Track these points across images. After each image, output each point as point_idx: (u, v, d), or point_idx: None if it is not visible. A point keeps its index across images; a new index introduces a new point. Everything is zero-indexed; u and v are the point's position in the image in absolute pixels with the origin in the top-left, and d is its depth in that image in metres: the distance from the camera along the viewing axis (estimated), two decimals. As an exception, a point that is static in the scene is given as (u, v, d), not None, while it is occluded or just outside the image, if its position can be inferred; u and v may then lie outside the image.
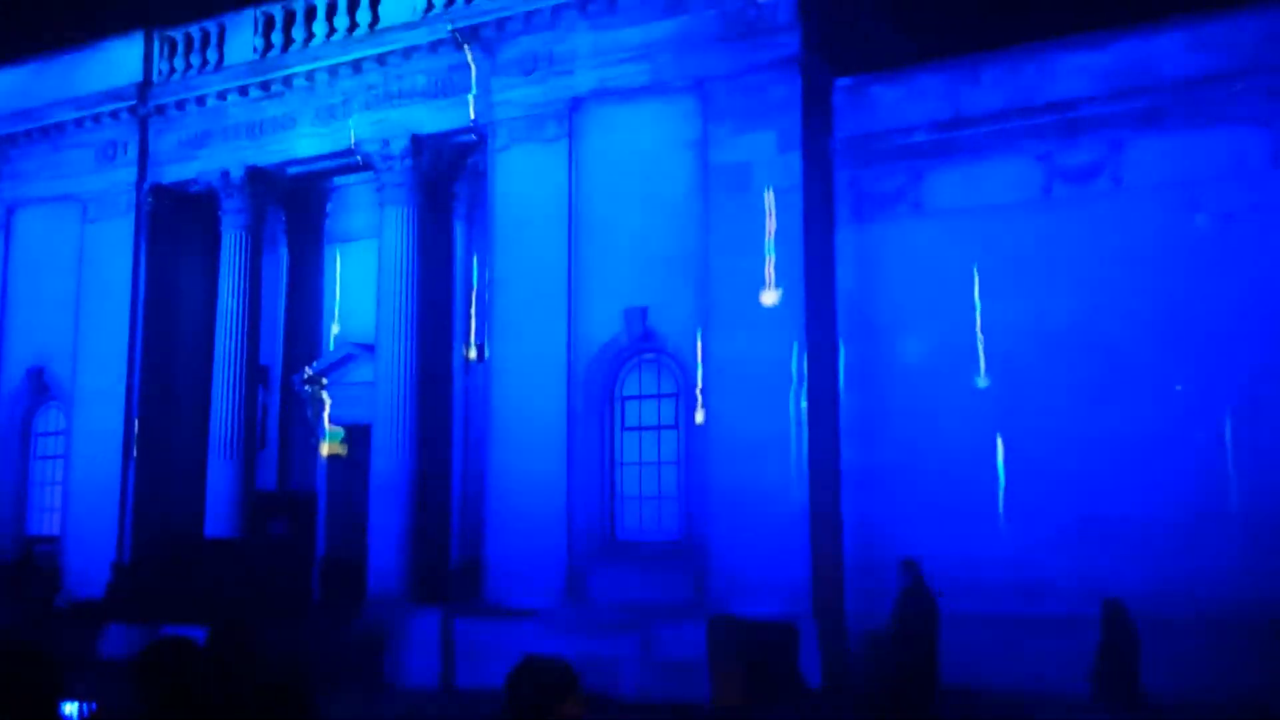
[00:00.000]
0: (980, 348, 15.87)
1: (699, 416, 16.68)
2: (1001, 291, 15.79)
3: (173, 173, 22.10)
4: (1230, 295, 14.44)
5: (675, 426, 17.18)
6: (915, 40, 17.43)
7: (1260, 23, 14.66)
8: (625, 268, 17.32)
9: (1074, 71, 15.54)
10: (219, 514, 20.34)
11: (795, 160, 16.52)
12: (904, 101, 16.85)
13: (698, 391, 16.75)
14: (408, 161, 19.58)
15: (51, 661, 2.92)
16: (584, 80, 17.93)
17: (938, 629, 12.38)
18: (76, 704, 3.70)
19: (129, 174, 22.21)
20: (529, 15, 18.22)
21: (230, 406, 20.83)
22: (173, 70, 22.05)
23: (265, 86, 20.94)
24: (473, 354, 20.04)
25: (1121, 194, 15.24)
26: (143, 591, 18.74)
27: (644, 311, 17.18)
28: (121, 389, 21.64)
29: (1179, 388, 14.53)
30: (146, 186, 22.14)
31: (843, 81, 17.15)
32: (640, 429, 17.39)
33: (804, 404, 16.01)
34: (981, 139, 16.15)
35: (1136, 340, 14.89)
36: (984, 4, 17.77)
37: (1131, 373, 14.86)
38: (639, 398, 17.51)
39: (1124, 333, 14.96)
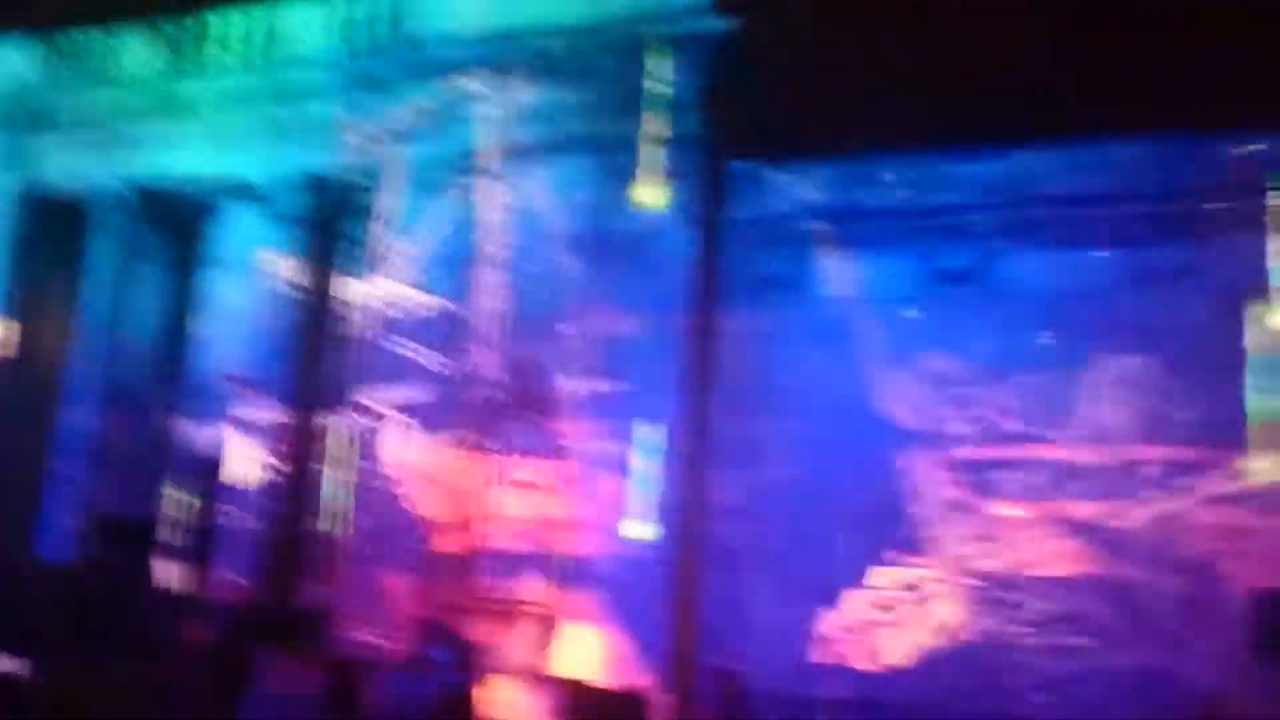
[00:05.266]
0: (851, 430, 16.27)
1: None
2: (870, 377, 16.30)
3: (50, 182, 21.31)
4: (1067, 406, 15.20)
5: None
6: (813, 132, 17.81)
7: (1132, 150, 15.45)
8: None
9: (957, 181, 16.17)
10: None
11: (688, 235, 16.78)
12: (799, 189, 17.28)
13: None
14: (295, 197, 19.31)
15: None
16: (480, 135, 17.86)
17: None
18: None
19: (3, 181, 21.36)
20: (423, 68, 18.13)
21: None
22: (57, 79, 21.31)
23: (153, 104, 20.34)
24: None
25: (988, 300, 15.91)
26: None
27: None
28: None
29: None
30: (21, 194, 21.31)
31: (740, 164, 17.49)
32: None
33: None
34: (871, 233, 16.70)
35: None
36: (884, 106, 18.27)
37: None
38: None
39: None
